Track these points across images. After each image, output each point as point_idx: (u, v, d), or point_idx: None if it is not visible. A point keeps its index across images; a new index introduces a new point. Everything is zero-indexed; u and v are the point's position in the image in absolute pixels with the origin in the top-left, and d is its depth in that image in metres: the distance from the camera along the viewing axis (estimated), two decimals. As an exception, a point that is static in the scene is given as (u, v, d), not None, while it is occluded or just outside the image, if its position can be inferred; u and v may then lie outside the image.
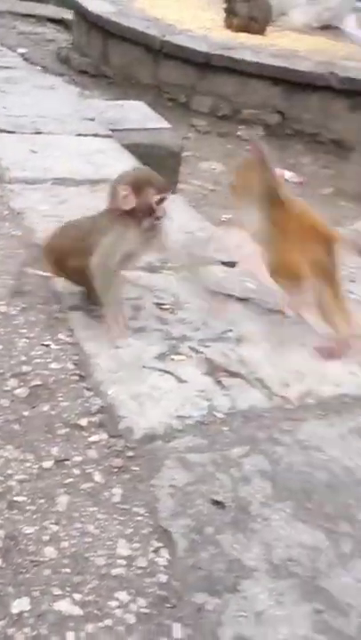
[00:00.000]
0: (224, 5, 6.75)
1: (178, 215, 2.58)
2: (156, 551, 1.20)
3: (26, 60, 7.17)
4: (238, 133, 6.17)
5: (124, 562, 1.17)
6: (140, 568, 1.17)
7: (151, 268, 2.17)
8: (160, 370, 1.69)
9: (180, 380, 1.66)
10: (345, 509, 1.36)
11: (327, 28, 7.07)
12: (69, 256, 1.82)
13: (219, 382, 1.68)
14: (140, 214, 1.75)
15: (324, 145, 6.03)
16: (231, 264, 2.36)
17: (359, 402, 1.69)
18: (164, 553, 1.20)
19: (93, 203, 2.52)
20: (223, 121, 6.21)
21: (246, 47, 6.21)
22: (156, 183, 1.79)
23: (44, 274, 1.97)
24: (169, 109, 6.43)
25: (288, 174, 5.72)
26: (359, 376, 1.79)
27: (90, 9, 6.59)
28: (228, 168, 5.78)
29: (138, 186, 1.76)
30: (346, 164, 5.72)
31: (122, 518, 1.26)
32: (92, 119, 3.54)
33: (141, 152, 3.69)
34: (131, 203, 1.75)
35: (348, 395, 1.70)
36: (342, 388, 1.72)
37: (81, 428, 1.46)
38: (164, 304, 1.98)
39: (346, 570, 1.23)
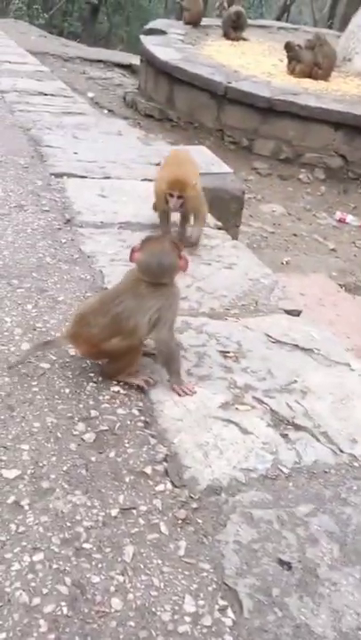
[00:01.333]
0: (287, 53, 6.88)
1: (241, 262, 2.61)
2: (222, 610, 1.19)
3: (95, 103, 7.49)
4: (300, 176, 6.21)
5: (189, 619, 1.16)
6: (206, 627, 1.15)
7: (214, 315, 2.19)
8: (224, 419, 1.69)
9: (245, 432, 1.65)
10: None
11: (391, 73, 7.08)
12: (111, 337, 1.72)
13: (284, 435, 1.66)
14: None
15: (387, 189, 6.00)
16: (295, 312, 2.35)
17: None
18: (230, 613, 1.18)
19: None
20: (284, 164, 6.28)
21: (309, 92, 6.29)
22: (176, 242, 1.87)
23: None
24: (231, 152, 6.56)
25: (350, 218, 5.71)
26: None
27: (157, 55, 6.84)
28: (288, 210, 5.81)
29: (179, 251, 1.82)
30: None
31: (187, 573, 1.25)
32: (158, 164, 3.64)
33: (205, 196, 3.77)
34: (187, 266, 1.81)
35: None
36: None
37: (147, 476, 1.47)
38: (227, 352, 1.99)
39: None
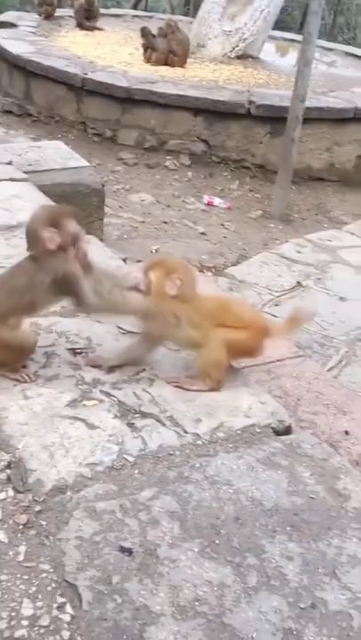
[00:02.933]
0: (142, 41, 6.91)
1: (94, 256, 2.61)
2: (60, 607, 1.20)
3: None
4: (166, 164, 6.29)
5: (26, 622, 1.17)
6: (44, 627, 1.16)
7: (65, 312, 2.19)
8: (71, 417, 1.70)
9: (92, 427, 1.67)
10: (252, 541, 1.39)
11: (244, 57, 7.31)
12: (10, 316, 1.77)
13: (130, 424, 1.70)
14: (67, 246, 1.77)
15: (250, 170, 6.21)
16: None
17: (267, 431, 1.74)
18: (69, 608, 1.20)
19: (8, 251, 2.55)
20: (150, 152, 6.32)
21: (167, 80, 6.37)
22: (66, 213, 1.83)
23: None
24: (96, 144, 6.51)
25: (218, 200, 5.86)
26: (269, 405, 1.84)
27: (9, 49, 6.64)
28: (157, 198, 5.88)
29: (55, 222, 1.77)
30: (271, 188, 5.89)
31: (26, 577, 1.25)
32: (9, 163, 3.56)
33: (63, 192, 3.73)
34: (57, 239, 1.75)
35: (256, 424, 1.75)
36: (252, 418, 1.77)
37: (-13, 486, 1.46)
38: (77, 349, 1.99)
39: (251, 603, 1.25)
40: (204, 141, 6.22)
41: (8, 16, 7.64)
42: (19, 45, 6.70)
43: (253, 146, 6.13)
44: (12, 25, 7.26)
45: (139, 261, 4.33)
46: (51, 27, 7.56)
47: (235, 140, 6.14)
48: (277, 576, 1.31)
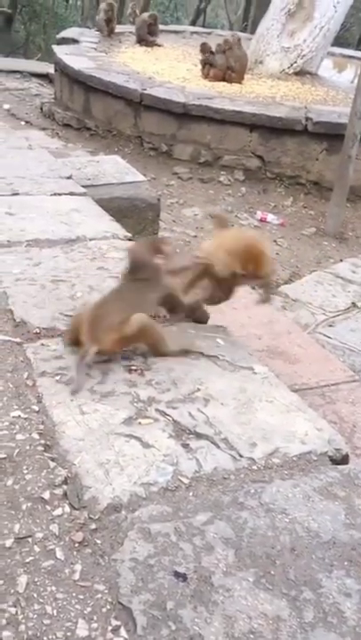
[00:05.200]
0: (200, 57, 6.97)
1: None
2: (114, 630, 1.20)
3: (12, 115, 7.38)
4: (220, 179, 6.31)
5: (81, 644, 1.17)
6: (98, 649, 1.16)
7: (122, 329, 2.20)
8: (127, 435, 1.70)
9: (147, 445, 1.67)
10: (308, 574, 1.36)
11: (302, 73, 7.29)
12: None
13: (185, 445, 1.69)
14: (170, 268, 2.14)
15: (304, 187, 6.17)
16: (204, 321, 2.39)
17: (324, 459, 1.70)
18: (123, 632, 1.20)
19: (67, 264, 2.59)
20: (204, 167, 6.36)
21: (223, 96, 6.40)
22: (165, 242, 2.20)
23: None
24: (152, 158, 6.60)
25: (271, 217, 5.83)
26: (325, 432, 1.80)
27: (71, 64, 6.80)
28: (210, 214, 5.90)
29: (159, 250, 2.12)
30: (325, 205, 5.84)
31: (81, 597, 1.25)
32: (69, 177, 3.63)
33: (120, 205, 3.79)
34: (164, 265, 2.10)
35: (313, 452, 1.71)
36: (308, 445, 1.73)
37: (44, 501, 1.47)
38: (132, 366, 2.00)
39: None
40: (259, 157, 6.22)
41: (70, 32, 7.85)
42: (80, 61, 6.86)
43: (309, 162, 6.09)
44: (74, 41, 7.44)
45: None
46: (111, 43, 7.72)
47: (290, 157, 6.12)
48: (335, 613, 1.27)
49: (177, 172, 6.30)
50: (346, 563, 1.39)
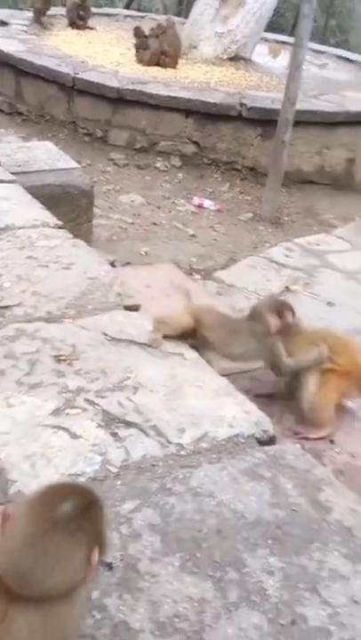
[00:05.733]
0: (134, 41, 6.88)
1: (80, 260, 2.60)
2: (38, 623, 1.19)
3: None
4: (157, 165, 6.27)
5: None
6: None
7: (50, 318, 2.17)
8: (54, 426, 1.68)
9: (74, 436, 1.66)
10: (233, 555, 1.38)
11: (236, 59, 7.31)
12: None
13: (114, 434, 1.69)
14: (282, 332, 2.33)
15: (240, 172, 6.21)
16: (134, 307, 2.39)
17: (252, 441, 1.73)
18: (47, 624, 1.19)
19: (-5, 253, 2.53)
20: (141, 153, 6.30)
21: (158, 81, 6.35)
22: (288, 306, 2.38)
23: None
24: (86, 144, 6.48)
25: (208, 202, 5.85)
26: (253, 414, 1.83)
27: (0, 48, 6.60)
28: (147, 200, 5.86)
29: (280, 312, 2.33)
30: (261, 190, 5.89)
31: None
32: (-4, 164, 3.53)
33: (52, 193, 3.71)
34: (278, 326, 2.31)
35: (240, 435, 1.74)
36: (236, 428, 1.76)
37: (-33, 498, 1.44)
38: (61, 356, 1.98)
39: (231, 620, 1.25)
40: (195, 143, 6.21)
41: (0, 14, 7.60)
42: (9, 44, 6.65)
43: (244, 148, 6.13)
44: (3, 23, 7.21)
45: (127, 264, 4.32)
46: (43, 25, 7.51)
47: (226, 142, 6.14)
48: (258, 591, 1.31)
49: (113, 159, 6.22)
50: (270, 541, 1.42)
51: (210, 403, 1.86)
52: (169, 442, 1.68)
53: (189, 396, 1.88)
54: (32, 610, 0.92)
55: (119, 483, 1.54)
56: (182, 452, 1.66)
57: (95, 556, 0.95)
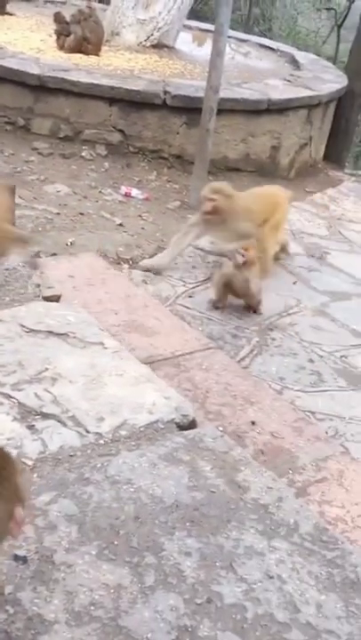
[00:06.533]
0: (55, 27, 6.72)
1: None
2: None
3: None
4: (82, 154, 6.17)
5: None
6: None
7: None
8: (-32, 422, 1.64)
9: (-11, 430, 1.62)
10: (151, 539, 1.39)
11: (159, 46, 7.26)
12: None
13: (31, 427, 1.66)
14: None
15: (167, 160, 6.19)
16: (54, 298, 2.35)
17: (171, 426, 1.74)
18: None
19: None
20: (65, 142, 6.17)
21: (80, 68, 6.23)
22: None
23: None
24: (9, 133, 6.29)
25: (135, 191, 5.81)
26: (173, 400, 1.84)
27: None
28: (73, 189, 5.77)
29: None
30: (188, 178, 5.90)
31: None
32: None
33: None
34: None
35: (160, 420, 1.74)
36: (155, 415, 1.76)
37: None
38: (-24, 349, 1.92)
39: (147, 603, 1.25)
40: (121, 131, 6.14)
41: None
42: None
43: (170, 136, 6.11)
44: None
45: (53, 254, 4.24)
46: None
47: (151, 131, 6.10)
48: (175, 573, 1.32)
49: (37, 148, 6.06)
50: (188, 524, 1.44)
51: (130, 390, 1.86)
52: (87, 431, 1.67)
53: (109, 384, 1.87)
54: None
55: (35, 476, 1.52)
56: (101, 441, 1.65)
57: (19, 510, 1.01)
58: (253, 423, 2.09)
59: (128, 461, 1.58)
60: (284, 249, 3.86)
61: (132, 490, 1.50)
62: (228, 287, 3.13)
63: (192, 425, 1.80)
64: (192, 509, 1.47)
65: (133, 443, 1.66)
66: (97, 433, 1.67)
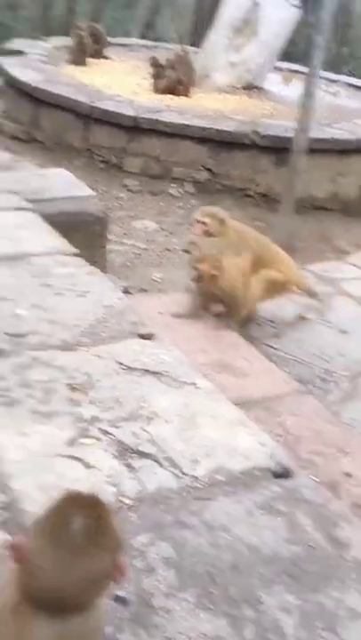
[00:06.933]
0: (150, 70, 7.01)
1: (95, 288, 2.62)
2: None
3: None
4: (170, 191, 6.34)
5: None
6: None
7: (65, 347, 2.18)
8: (69, 456, 1.68)
9: (89, 466, 1.66)
10: (249, 591, 1.36)
11: (249, 87, 7.41)
12: None
13: (128, 465, 1.68)
14: None
15: (253, 199, 6.26)
16: (148, 336, 2.39)
17: (267, 473, 1.71)
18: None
19: (9, 281, 2.56)
20: (155, 180, 6.37)
21: (172, 109, 6.45)
22: None
23: None
24: (102, 171, 6.57)
25: (221, 228, 5.88)
26: (268, 446, 1.82)
27: (17, 77, 6.75)
28: (161, 225, 5.92)
29: None
30: (274, 217, 5.92)
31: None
32: (14, 192, 3.59)
33: (67, 220, 3.75)
34: None
35: (256, 467, 1.72)
36: (251, 460, 1.75)
37: (-18, 529, 1.44)
38: (75, 384, 1.98)
39: (246, 659, 1.23)
40: (209, 170, 6.27)
41: (18, 44, 7.78)
42: (27, 73, 6.81)
43: (258, 175, 6.18)
44: (21, 53, 7.38)
45: (141, 290, 4.35)
46: (59, 54, 7.68)
47: (239, 170, 6.20)
48: (275, 630, 1.28)
49: (127, 185, 6.29)
50: (286, 578, 1.40)
51: (224, 433, 1.85)
52: (183, 473, 1.68)
53: (203, 426, 1.87)
54: (57, 622, 0.93)
55: (133, 515, 1.53)
56: (197, 485, 1.65)
57: (122, 558, 0.96)
58: (348, 475, 2.03)
59: (224, 507, 1.57)
60: (310, 292, 3.58)
61: (228, 537, 1.49)
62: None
63: (287, 473, 1.77)
64: (290, 563, 1.43)
65: (229, 488, 1.65)
66: (193, 476, 1.67)
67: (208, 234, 3.24)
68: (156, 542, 1.45)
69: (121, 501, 1.56)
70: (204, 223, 3.24)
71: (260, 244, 3.40)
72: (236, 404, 2.09)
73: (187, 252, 3.55)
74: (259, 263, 3.26)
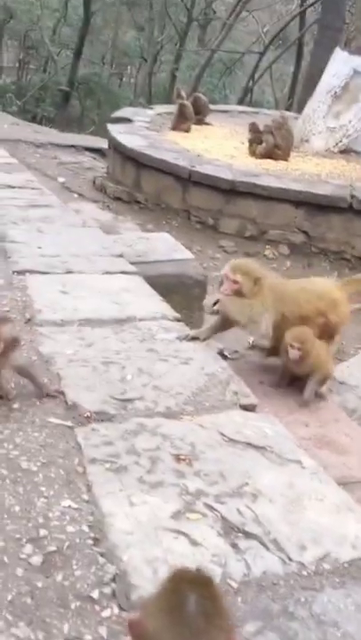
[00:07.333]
0: (249, 136, 7.23)
1: (198, 355, 2.67)
2: None
3: (66, 188, 7.74)
4: (265, 253, 6.41)
5: None
6: None
7: (170, 414, 2.23)
8: (175, 530, 1.70)
9: (195, 543, 1.66)
10: None
11: (347, 151, 7.46)
12: None
13: (234, 545, 1.67)
14: None
15: (349, 262, 6.21)
16: (251, 407, 2.40)
17: (378, 566, 1.65)
18: None
19: (117, 345, 2.65)
20: (250, 241, 6.48)
21: (270, 173, 6.59)
22: None
23: None
24: (198, 231, 6.77)
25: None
26: (378, 536, 1.75)
27: (124, 143, 7.14)
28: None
29: None
30: (371, 281, 5.82)
31: None
32: (120, 255, 3.76)
33: (168, 282, 3.89)
34: None
35: (366, 558, 1.67)
36: (359, 550, 1.69)
37: (93, 600, 1.47)
38: (180, 455, 2.01)
39: None
40: (304, 232, 6.32)
41: (124, 112, 8.28)
42: (133, 139, 7.20)
43: (354, 239, 6.16)
44: (127, 120, 7.85)
45: (235, 352, 4.37)
46: (163, 121, 8.10)
47: (335, 233, 6.20)
48: None
49: (222, 246, 6.43)
50: None
51: (331, 518, 1.81)
52: (290, 559, 1.64)
53: (309, 509, 1.84)
54: None
55: (240, 600, 1.51)
56: (304, 572, 1.61)
57: (236, 632, 0.97)
58: None
59: (334, 600, 1.52)
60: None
61: (338, 634, 1.43)
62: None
63: None
64: None
65: (337, 579, 1.60)
66: (300, 562, 1.63)
67: (239, 294, 2.83)
68: (264, 632, 1.42)
69: (228, 584, 1.54)
70: (235, 282, 2.82)
71: (298, 302, 3.03)
72: (339, 484, 2.04)
73: (215, 313, 3.37)
74: (300, 321, 2.98)
